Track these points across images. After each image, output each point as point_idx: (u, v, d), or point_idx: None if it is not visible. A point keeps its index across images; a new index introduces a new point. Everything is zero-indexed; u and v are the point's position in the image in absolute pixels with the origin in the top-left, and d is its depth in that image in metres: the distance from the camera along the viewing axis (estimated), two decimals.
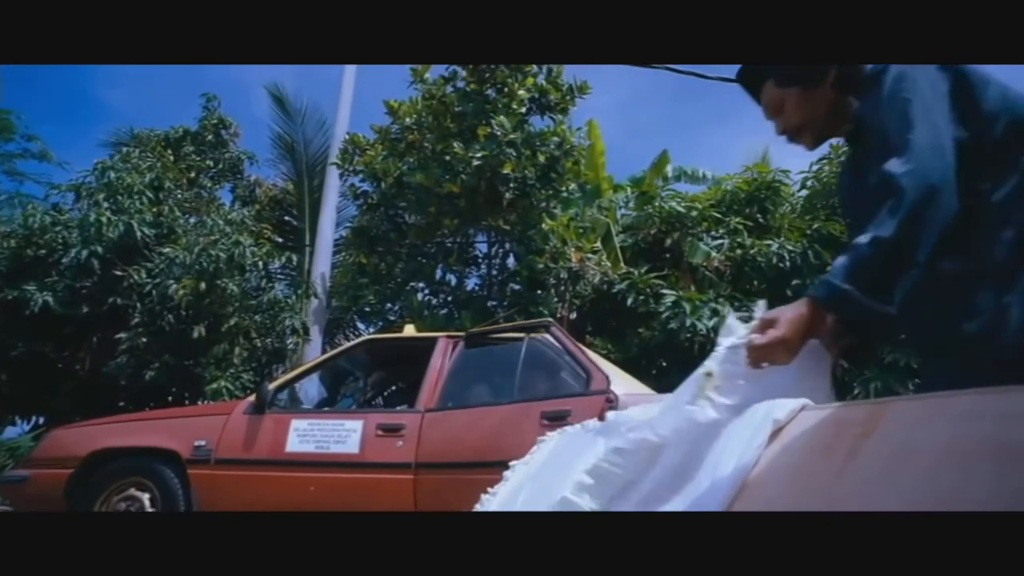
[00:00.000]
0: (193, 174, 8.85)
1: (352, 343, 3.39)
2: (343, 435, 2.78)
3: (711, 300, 5.91)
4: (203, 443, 2.78)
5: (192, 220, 7.33)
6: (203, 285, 5.74)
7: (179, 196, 7.80)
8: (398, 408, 3.28)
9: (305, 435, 2.79)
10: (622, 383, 2.91)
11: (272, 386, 2.94)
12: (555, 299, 6.40)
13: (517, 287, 6.65)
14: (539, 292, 6.36)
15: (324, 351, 7.28)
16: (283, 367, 6.80)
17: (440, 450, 2.67)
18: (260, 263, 6.44)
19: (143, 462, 2.79)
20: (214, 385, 5.68)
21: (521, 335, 2.93)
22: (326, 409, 3.68)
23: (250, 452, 2.77)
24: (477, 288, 7.06)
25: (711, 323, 5.62)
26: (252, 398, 2.92)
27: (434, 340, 3.16)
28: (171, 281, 5.89)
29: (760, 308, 0.98)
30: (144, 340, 5.83)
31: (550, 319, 2.86)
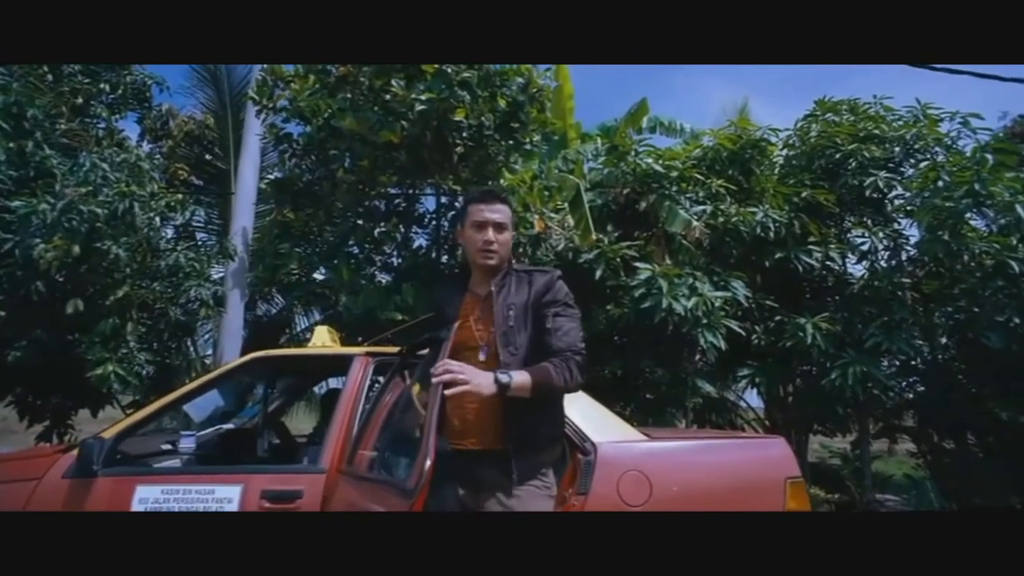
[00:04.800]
0: (80, 100, 7.27)
1: (237, 362, 2.49)
2: (212, 508, 1.96)
3: (689, 275, 5.22)
4: None
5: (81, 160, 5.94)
6: (76, 248, 4.60)
7: (58, 128, 6.36)
8: (293, 466, 2.44)
9: (156, 509, 1.95)
10: (602, 427, 2.19)
11: (110, 435, 2.04)
12: None
13: None
14: None
15: (245, 322, 6.28)
16: (193, 342, 5.80)
17: None
18: (158, 220, 5.28)
19: None
20: (99, 370, 4.66)
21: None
22: (203, 444, 2.80)
23: None
24: (423, 250, 6.14)
25: (690, 303, 4.97)
26: (76, 452, 2.03)
27: (348, 359, 2.32)
28: (37, 240, 4.71)
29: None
30: (2, 313, 4.69)
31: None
